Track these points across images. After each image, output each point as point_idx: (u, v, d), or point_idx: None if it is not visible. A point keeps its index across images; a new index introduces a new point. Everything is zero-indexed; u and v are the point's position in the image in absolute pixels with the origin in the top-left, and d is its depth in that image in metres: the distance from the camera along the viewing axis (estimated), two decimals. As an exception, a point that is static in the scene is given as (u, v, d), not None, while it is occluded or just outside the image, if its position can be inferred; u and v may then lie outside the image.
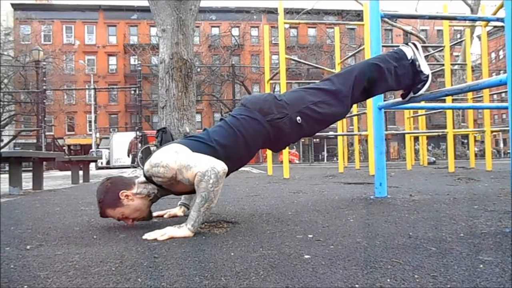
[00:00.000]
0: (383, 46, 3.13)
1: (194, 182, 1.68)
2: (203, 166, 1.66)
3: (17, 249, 1.53)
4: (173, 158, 1.74)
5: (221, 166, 1.68)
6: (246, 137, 1.89)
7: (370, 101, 4.26)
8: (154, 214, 2.25)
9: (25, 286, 1.09)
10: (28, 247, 1.56)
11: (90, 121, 32.72)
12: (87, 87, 32.41)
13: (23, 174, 4.62)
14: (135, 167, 14.91)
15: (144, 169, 1.84)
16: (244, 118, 1.90)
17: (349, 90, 2.03)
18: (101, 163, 25.18)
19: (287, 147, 2.30)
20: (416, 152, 15.53)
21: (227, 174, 1.87)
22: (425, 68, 2.16)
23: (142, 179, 1.90)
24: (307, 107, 1.95)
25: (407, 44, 2.20)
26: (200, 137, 1.89)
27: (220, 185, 1.68)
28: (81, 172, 6.73)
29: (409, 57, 2.13)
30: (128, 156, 20.47)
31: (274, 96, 1.99)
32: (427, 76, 2.17)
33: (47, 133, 23.35)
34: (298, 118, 1.93)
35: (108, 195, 1.86)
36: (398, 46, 2.29)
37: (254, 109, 1.92)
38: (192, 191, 1.79)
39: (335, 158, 29.76)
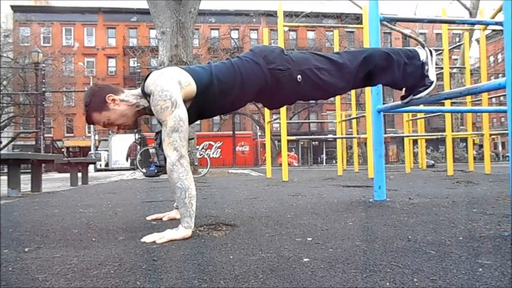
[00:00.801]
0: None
1: (164, 145, 1.76)
2: (173, 153, 1.72)
3: (15, 251, 1.53)
4: (173, 106, 1.75)
5: (184, 158, 1.73)
6: (244, 77, 1.92)
7: (369, 104, 4.26)
8: (153, 217, 2.25)
9: (24, 289, 1.08)
10: (26, 249, 1.55)
11: (89, 123, 32.63)
12: (86, 89, 32.37)
13: (22, 176, 4.62)
14: (134, 169, 14.88)
15: (146, 85, 1.84)
16: (247, 60, 1.95)
17: (355, 69, 2.04)
18: (100, 165, 25.13)
19: (280, 107, 2.35)
20: (415, 155, 15.54)
21: (221, 113, 2.04)
22: (432, 74, 2.17)
23: (136, 91, 1.94)
24: (310, 69, 1.98)
25: (423, 47, 2.21)
26: (204, 68, 1.95)
27: (189, 173, 1.75)
28: (80, 174, 6.71)
29: (421, 59, 2.14)
30: (127, 160, 20.45)
31: (281, 50, 2.02)
32: (432, 82, 2.18)
33: (46, 135, 23.34)
34: (299, 76, 1.96)
35: (94, 97, 1.89)
36: (408, 48, 2.30)
37: (259, 55, 1.96)
38: None
39: (334, 161, 29.79)
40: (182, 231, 1.69)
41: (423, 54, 2.15)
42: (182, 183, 1.71)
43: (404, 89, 2.30)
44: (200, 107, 1.94)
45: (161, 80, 1.80)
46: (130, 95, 1.94)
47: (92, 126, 29.10)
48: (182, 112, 1.77)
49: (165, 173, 9.17)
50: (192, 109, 1.90)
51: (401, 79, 2.15)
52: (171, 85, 1.79)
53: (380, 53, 2.11)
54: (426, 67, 2.14)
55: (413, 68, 2.12)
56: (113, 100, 1.88)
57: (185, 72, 1.88)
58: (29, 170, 5.05)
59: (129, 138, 23.10)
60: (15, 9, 34.21)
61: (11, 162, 4.41)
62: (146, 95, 1.88)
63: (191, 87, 1.85)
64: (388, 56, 2.08)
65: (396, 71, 2.10)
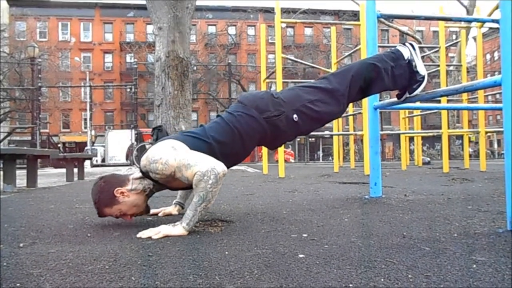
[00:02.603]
0: (379, 46, 3.14)
1: (192, 181, 1.68)
2: (203, 166, 1.66)
3: (10, 246, 1.52)
4: (172, 155, 1.73)
5: (221, 167, 1.67)
6: (242, 133, 1.89)
7: (365, 101, 4.27)
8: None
9: (18, 284, 1.08)
10: (21, 245, 1.55)
11: (85, 119, 32.56)
12: (82, 84, 32.26)
13: (17, 172, 4.60)
14: (130, 165, 14.87)
15: (141, 164, 1.83)
16: (241, 115, 1.90)
17: (346, 89, 2.03)
18: (96, 160, 25.06)
19: (283, 145, 2.30)
20: (411, 152, 15.59)
21: (231, 166, 1.92)
22: (421, 68, 2.16)
23: (137, 174, 1.90)
24: (304, 105, 1.96)
25: (404, 44, 2.20)
26: (196, 133, 1.89)
27: (219, 186, 1.68)
28: (76, 170, 6.70)
29: (406, 57, 2.13)
30: (127, 160, 20.44)
31: (271, 94, 1.99)
32: (423, 77, 2.17)
33: (42, 130, 23.25)
34: (295, 116, 1.94)
35: (103, 194, 1.85)
36: (395, 46, 2.29)
37: (250, 106, 1.92)
38: (189, 187, 1.79)
39: (330, 158, 29.82)
40: (179, 229, 1.67)
41: (406, 51, 2.15)
42: (205, 194, 1.65)
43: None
44: None
45: (151, 152, 1.79)
46: (135, 180, 1.88)
47: (88, 121, 29.01)
48: (181, 151, 1.74)
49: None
50: None
51: (392, 84, 2.15)
52: (162, 149, 1.77)
53: (367, 66, 2.10)
54: (414, 63, 2.14)
55: (401, 69, 2.12)
56: (122, 193, 1.84)
57: (179, 142, 1.83)
58: (25, 166, 5.03)
59: (126, 133, 23.05)
60: (11, 3, 33.95)
61: (6, 157, 4.39)
62: (145, 174, 1.85)
63: None
64: (374, 66, 2.07)
65: (386, 78, 2.09)
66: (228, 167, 1.96)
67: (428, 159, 13.53)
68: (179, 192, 2.31)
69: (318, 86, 2.04)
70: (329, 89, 2.01)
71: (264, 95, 1.99)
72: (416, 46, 2.19)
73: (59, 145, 31.88)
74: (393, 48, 2.21)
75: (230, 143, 1.88)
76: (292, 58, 11.65)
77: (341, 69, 2.18)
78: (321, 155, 34.88)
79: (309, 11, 27.95)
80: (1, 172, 4.50)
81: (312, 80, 2.21)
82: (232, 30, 35.45)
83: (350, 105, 9.63)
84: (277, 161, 7.36)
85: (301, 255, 1.31)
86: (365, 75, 2.07)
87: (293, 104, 1.95)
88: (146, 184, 1.88)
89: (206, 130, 1.89)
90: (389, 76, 2.09)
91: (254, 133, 1.92)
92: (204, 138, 1.85)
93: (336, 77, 2.09)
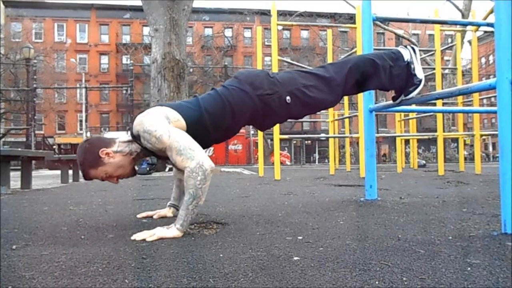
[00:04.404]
0: (375, 49, 3.14)
1: (179, 166, 1.72)
2: (192, 161, 1.67)
3: (2, 249, 1.51)
4: (167, 132, 1.73)
5: (208, 163, 1.68)
6: (234, 107, 1.90)
7: (361, 104, 4.27)
8: (143, 214, 2.24)
9: (10, 287, 1.07)
10: (14, 247, 1.54)
11: (81, 120, 32.40)
12: (78, 86, 32.14)
13: (12, 173, 4.57)
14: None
15: (133, 128, 1.83)
16: (234, 89, 1.92)
17: (342, 80, 2.04)
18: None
19: (272, 127, 2.33)
20: (407, 155, 15.63)
21: (215, 143, 1.98)
22: (419, 72, 2.17)
23: (125, 138, 1.92)
24: (298, 89, 1.97)
25: (405, 46, 2.21)
26: (190, 102, 1.92)
27: (207, 182, 1.69)
28: (71, 172, 6.66)
29: (405, 59, 2.14)
30: None
31: (267, 73, 2.01)
32: (420, 81, 2.18)
33: (37, 132, 23.14)
34: (288, 97, 1.95)
35: (88, 155, 1.86)
36: (390, 49, 2.30)
37: (245, 82, 1.94)
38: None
39: (326, 160, 29.86)
40: (174, 231, 1.67)
41: (406, 53, 2.16)
42: (195, 191, 1.66)
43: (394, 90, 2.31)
44: None
45: (147, 119, 1.79)
46: (122, 143, 1.90)
47: (84, 123, 28.90)
48: (176, 130, 1.75)
49: (157, 171, 9.12)
50: None
51: (388, 83, 2.15)
52: (158, 120, 1.77)
53: (365, 61, 2.11)
54: (412, 66, 2.14)
55: (399, 70, 2.13)
56: (107, 153, 1.85)
57: (172, 110, 1.84)
58: (19, 167, 5.00)
59: (122, 135, 22.96)
60: (7, 4, 33.81)
61: (1, 159, 4.36)
62: (135, 138, 1.86)
63: (180, 122, 1.82)
64: (373, 62, 2.08)
65: (383, 76, 2.10)
66: (219, 141, 2.04)
67: (424, 162, 13.58)
68: (173, 194, 2.31)
69: (315, 73, 2.05)
70: (325, 77, 2.02)
71: (260, 73, 2.01)
72: (417, 50, 2.21)
73: (54, 146, 31.75)
74: (394, 49, 2.22)
75: (221, 116, 1.89)
76: (289, 60, 11.64)
77: (340, 60, 2.21)
78: (317, 157, 34.93)
79: (306, 14, 28.00)
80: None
81: (310, 67, 2.22)
82: (228, 32, 35.49)
83: (346, 107, 9.65)
84: (273, 164, 7.36)
85: (296, 258, 1.31)
86: (363, 69, 2.07)
87: (288, 86, 1.96)
88: (133, 147, 1.90)
89: (199, 101, 1.90)
90: (387, 75, 2.10)
91: (245, 109, 1.93)
92: (197, 108, 1.87)
93: (334, 66, 2.11)
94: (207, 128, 1.87)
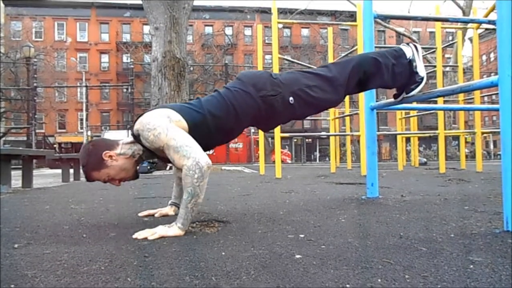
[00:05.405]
0: (376, 47, 3.14)
1: (176, 164, 1.72)
2: (189, 160, 1.67)
3: (4, 247, 1.51)
4: (165, 130, 1.73)
5: (204, 160, 1.68)
6: (237, 109, 1.89)
7: (362, 102, 4.27)
8: (145, 213, 2.24)
9: (12, 286, 1.07)
10: (16, 245, 1.54)
11: (81, 119, 32.42)
12: (78, 84, 32.15)
13: (13, 172, 4.57)
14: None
15: (134, 127, 1.83)
16: (237, 91, 1.92)
17: (345, 80, 2.03)
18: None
19: (276, 128, 2.32)
20: (408, 153, 15.62)
21: (218, 145, 1.98)
22: (421, 70, 2.16)
23: (128, 140, 1.91)
24: (301, 89, 1.96)
25: (407, 44, 2.20)
26: (193, 104, 1.91)
27: (205, 180, 1.69)
28: (71, 170, 6.67)
29: (408, 57, 2.13)
30: None
31: (269, 74, 2.00)
32: (422, 78, 2.17)
33: (37, 131, 23.15)
34: (291, 98, 1.94)
35: (91, 157, 1.85)
36: (392, 47, 2.29)
37: (248, 83, 1.93)
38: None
39: (327, 158, 29.87)
40: (175, 230, 1.67)
41: (409, 51, 2.15)
42: (193, 189, 1.66)
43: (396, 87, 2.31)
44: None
45: (146, 117, 1.79)
46: (125, 145, 1.90)
47: (84, 121, 28.92)
48: (175, 129, 1.75)
49: (158, 169, 9.13)
50: None
51: (391, 81, 2.15)
52: (157, 118, 1.77)
53: (368, 60, 2.10)
54: (414, 64, 2.14)
55: (402, 68, 2.12)
56: (110, 156, 1.84)
57: (174, 111, 1.84)
58: (20, 166, 5.01)
59: (123, 134, 22.95)
60: (7, 2, 33.75)
61: (2, 158, 4.36)
62: (137, 139, 1.85)
63: (182, 123, 1.82)
64: (375, 61, 2.07)
65: (386, 74, 2.09)
66: (221, 143, 2.04)
67: (425, 159, 13.56)
68: (174, 192, 2.31)
69: (318, 73, 2.04)
70: (328, 77, 2.02)
71: (263, 74, 2.00)
72: (419, 47, 2.20)
73: (55, 145, 31.80)
74: (396, 47, 2.21)
75: (224, 118, 1.89)
76: (289, 58, 11.65)
77: (343, 60, 2.20)
78: (318, 155, 34.92)
79: (306, 12, 27.96)
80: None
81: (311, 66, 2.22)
82: (229, 31, 35.46)
83: (347, 105, 9.64)
84: (273, 162, 7.36)
85: (298, 256, 1.31)
86: (366, 68, 2.07)
87: (291, 86, 1.96)
88: (136, 149, 1.89)
89: (202, 103, 1.90)
90: (389, 73, 2.09)
91: (248, 110, 1.92)
92: (199, 110, 1.87)
93: (336, 66, 2.10)
94: (210, 130, 1.86)
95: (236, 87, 1.93)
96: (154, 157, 1.96)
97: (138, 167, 1.98)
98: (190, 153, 1.68)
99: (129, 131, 1.96)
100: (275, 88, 1.93)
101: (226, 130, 1.95)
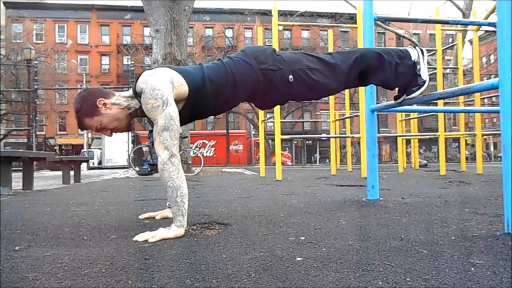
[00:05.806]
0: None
1: (155, 145, 1.76)
2: (164, 152, 1.72)
3: (5, 250, 1.51)
4: (164, 105, 1.74)
5: (173, 151, 1.73)
6: (236, 78, 1.91)
7: (362, 104, 4.28)
8: (145, 215, 2.24)
9: (13, 288, 1.07)
10: (16, 248, 1.54)
11: (82, 121, 32.36)
12: (79, 86, 32.15)
13: (13, 174, 4.57)
14: (127, 168, 14.81)
15: (138, 84, 1.82)
16: (239, 61, 1.94)
17: (347, 69, 2.04)
18: (93, 163, 24.96)
19: (272, 107, 2.35)
20: (408, 155, 15.62)
21: (214, 114, 2.04)
22: (424, 73, 2.17)
23: (126, 93, 1.92)
24: (302, 70, 1.97)
25: (414, 47, 2.21)
26: (195, 69, 1.94)
27: (181, 171, 1.74)
28: (72, 172, 6.67)
29: (412, 59, 2.14)
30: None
31: (273, 49, 2.02)
32: (424, 82, 2.18)
33: (38, 133, 23.15)
34: (291, 76, 1.95)
35: (85, 103, 1.86)
36: (400, 48, 2.30)
37: (251, 55, 1.96)
38: None
39: (327, 160, 29.85)
40: (175, 230, 1.68)
41: (414, 53, 2.16)
42: (173, 182, 1.70)
43: (397, 89, 2.31)
44: (193, 108, 1.92)
45: (153, 79, 1.78)
46: (121, 97, 1.91)
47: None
48: (173, 110, 1.76)
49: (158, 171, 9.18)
50: (184, 110, 1.89)
51: (393, 79, 2.15)
52: (163, 84, 1.77)
53: (372, 53, 2.11)
54: (418, 67, 2.14)
55: (405, 68, 2.12)
56: (104, 104, 1.85)
57: (177, 73, 1.86)
58: (21, 168, 5.01)
59: (123, 136, 22.97)
60: (7, 5, 33.84)
61: (2, 160, 4.36)
62: (137, 95, 1.86)
63: (184, 87, 1.83)
64: (379, 56, 2.08)
65: (388, 71, 2.10)
66: (218, 112, 2.08)
67: (425, 161, 13.57)
68: None
69: (321, 58, 2.05)
70: (331, 63, 2.03)
71: (266, 49, 2.02)
72: (425, 52, 2.21)
73: (55, 147, 31.79)
74: (402, 48, 2.22)
75: (223, 85, 1.90)
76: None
77: (347, 50, 2.22)
78: (318, 157, 34.90)
79: (306, 14, 28.00)
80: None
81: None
82: (229, 33, 35.48)
83: (347, 107, 9.64)
84: (274, 164, 7.36)
85: (298, 258, 1.31)
86: (369, 62, 2.08)
87: (292, 65, 1.97)
88: (132, 103, 1.90)
89: (203, 69, 1.92)
90: (392, 71, 2.10)
91: (247, 81, 1.93)
92: (201, 75, 1.89)
93: (340, 55, 2.11)
94: (208, 96, 1.89)
95: (239, 58, 1.96)
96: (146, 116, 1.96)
97: (131, 122, 1.99)
98: (168, 145, 1.72)
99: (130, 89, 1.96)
100: (277, 64, 1.94)
101: (223, 99, 1.96)
